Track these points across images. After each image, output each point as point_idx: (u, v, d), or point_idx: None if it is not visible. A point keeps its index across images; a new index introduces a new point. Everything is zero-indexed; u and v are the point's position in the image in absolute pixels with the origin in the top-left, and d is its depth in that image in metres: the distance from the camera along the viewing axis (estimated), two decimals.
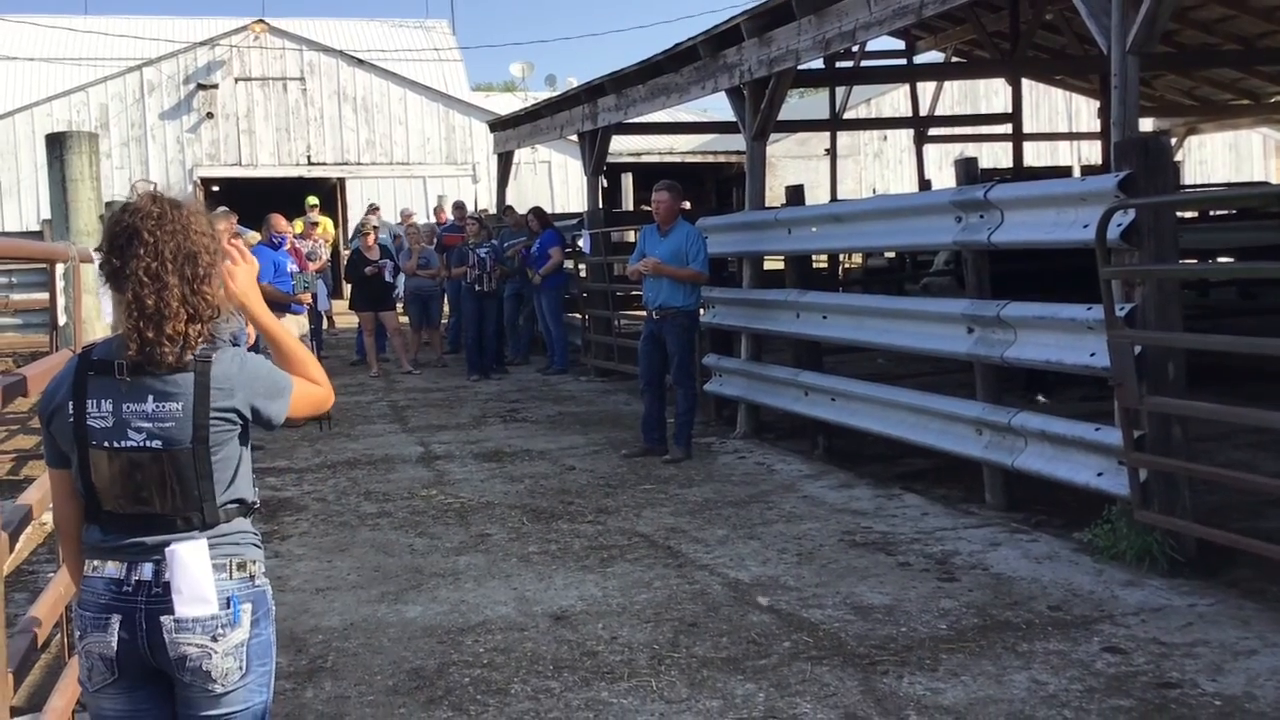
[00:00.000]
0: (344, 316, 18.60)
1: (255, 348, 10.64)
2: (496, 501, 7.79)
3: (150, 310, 2.59)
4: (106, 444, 2.61)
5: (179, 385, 2.62)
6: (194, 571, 2.61)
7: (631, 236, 14.98)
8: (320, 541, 6.87)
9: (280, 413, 2.75)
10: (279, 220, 11.62)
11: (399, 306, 15.89)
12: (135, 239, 2.62)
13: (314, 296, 11.69)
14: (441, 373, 14.98)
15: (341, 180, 27.62)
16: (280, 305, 11.11)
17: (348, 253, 17.92)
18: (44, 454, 2.81)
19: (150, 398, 2.61)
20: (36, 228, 23.97)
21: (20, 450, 10.22)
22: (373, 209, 21.03)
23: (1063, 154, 28.95)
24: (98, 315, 6.69)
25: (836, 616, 5.28)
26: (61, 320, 6.50)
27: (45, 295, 10.12)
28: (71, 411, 2.63)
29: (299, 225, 16.42)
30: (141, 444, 2.60)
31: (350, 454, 9.67)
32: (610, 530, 6.95)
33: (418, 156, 28.14)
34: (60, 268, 5.94)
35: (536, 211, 15.18)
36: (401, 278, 15.76)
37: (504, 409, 11.83)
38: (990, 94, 27.08)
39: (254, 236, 12.01)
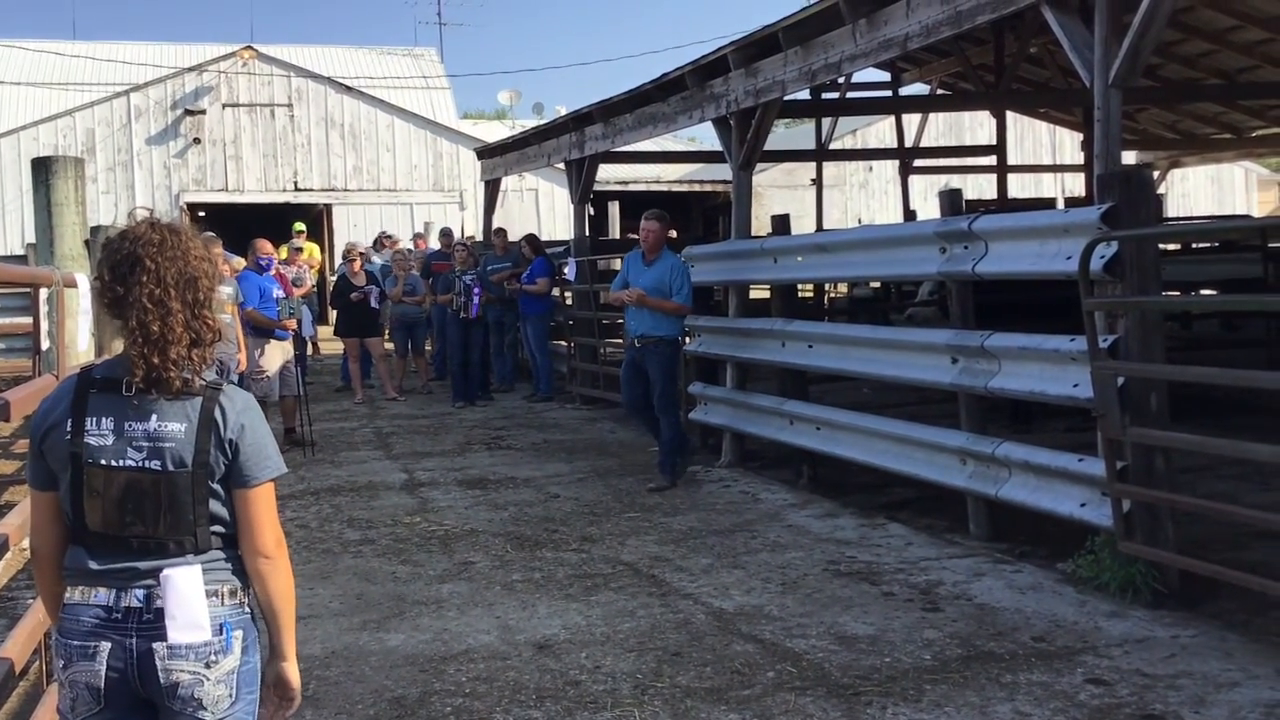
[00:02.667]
0: (329, 343, 18.57)
1: (243, 377, 10.64)
2: (480, 529, 7.77)
3: (155, 336, 2.59)
4: (104, 462, 2.59)
5: (186, 409, 2.62)
6: (189, 597, 2.59)
7: (618, 265, 15.00)
8: (303, 569, 6.82)
9: (249, 477, 2.68)
10: (264, 244, 11.63)
11: (384, 333, 15.88)
12: (138, 266, 2.62)
13: (299, 322, 11.67)
14: (426, 399, 14.95)
15: (328, 206, 27.64)
16: (265, 330, 11.11)
17: (334, 278, 17.90)
18: (28, 476, 2.78)
19: (154, 417, 2.61)
20: (20, 251, 23.95)
21: (2, 475, 10.15)
22: (350, 247, 20.95)
23: (1047, 186, 29.16)
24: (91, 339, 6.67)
25: (820, 646, 5.27)
26: (45, 345, 6.48)
27: (28, 320, 10.08)
28: (69, 429, 2.62)
29: (283, 252, 16.41)
30: (140, 464, 2.59)
31: (334, 480, 9.63)
32: (594, 559, 6.93)
33: (405, 183, 28.20)
34: (44, 292, 5.92)
35: (529, 239, 15.20)
36: (387, 303, 15.76)
37: (489, 436, 11.81)
38: (975, 126, 27.27)
39: (240, 262, 12.01)
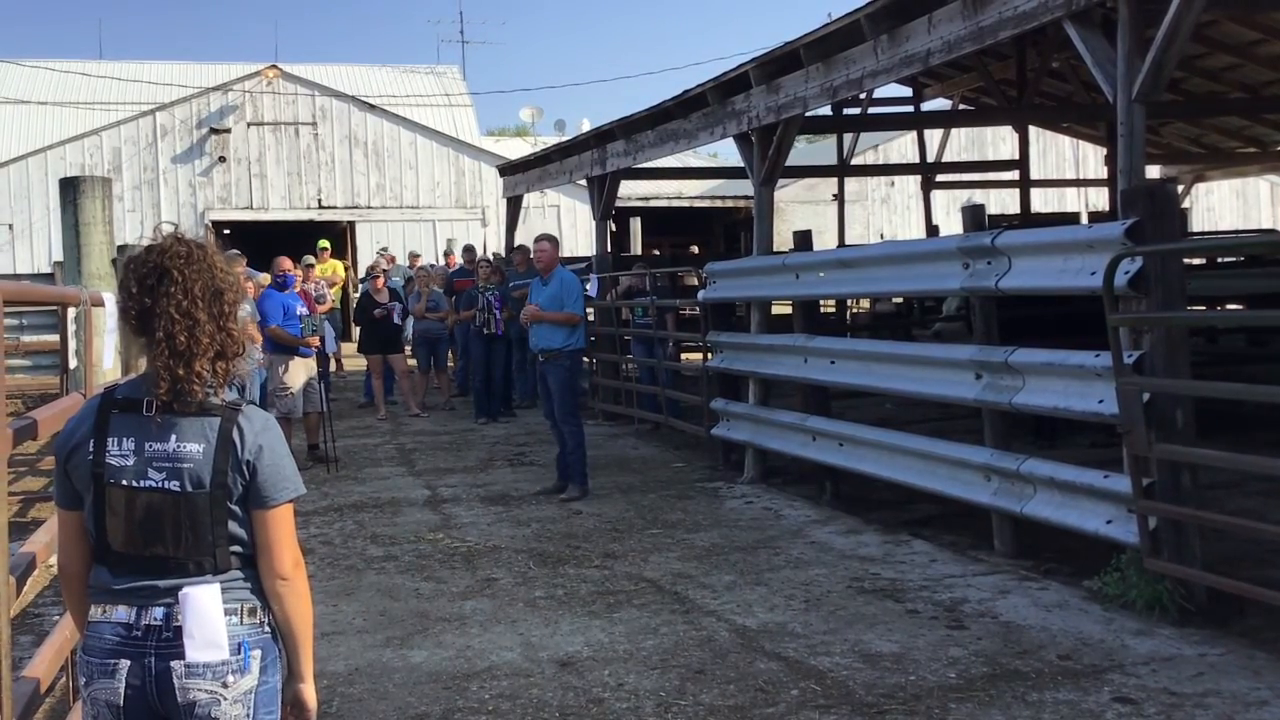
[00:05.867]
0: (352, 359, 18.64)
1: (263, 393, 10.70)
2: (503, 545, 7.78)
3: (182, 348, 2.60)
4: (125, 483, 2.60)
5: (205, 429, 2.63)
6: (207, 616, 2.59)
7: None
8: (326, 585, 6.85)
9: (267, 498, 2.67)
10: (285, 261, 11.73)
11: (407, 349, 15.92)
12: (165, 278, 2.63)
13: (322, 339, 11.73)
14: (449, 416, 14.98)
15: (352, 224, 27.81)
16: (289, 348, 11.17)
17: (357, 295, 17.94)
18: (54, 495, 2.80)
19: (174, 438, 2.61)
20: (48, 270, 24.16)
21: (28, 492, 10.23)
22: (382, 252, 21.09)
23: (1070, 200, 29.03)
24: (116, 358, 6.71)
25: (844, 664, 5.25)
26: (72, 364, 6.53)
27: (56, 337, 10.16)
28: (91, 449, 2.63)
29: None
30: (160, 484, 2.60)
31: (357, 497, 9.66)
32: (617, 575, 6.92)
33: (427, 200, 28.34)
34: (72, 311, 5.97)
35: None
36: (410, 320, 15.81)
37: (511, 452, 11.83)
38: (997, 140, 27.23)
39: (266, 278, 12.10)
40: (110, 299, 6.08)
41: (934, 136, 19.28)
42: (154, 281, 2.64)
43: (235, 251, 12.64)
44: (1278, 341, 13.20)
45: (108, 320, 5.91)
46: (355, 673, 5.34)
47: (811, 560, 7.13)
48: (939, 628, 5.71)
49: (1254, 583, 5.38)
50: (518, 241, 17.42)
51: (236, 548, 2.67)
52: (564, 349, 9.49)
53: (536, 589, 6.67)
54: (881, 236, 28.60)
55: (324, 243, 20.32)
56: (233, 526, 2.65)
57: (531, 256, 10.38)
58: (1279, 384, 5.67)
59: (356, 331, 16.41)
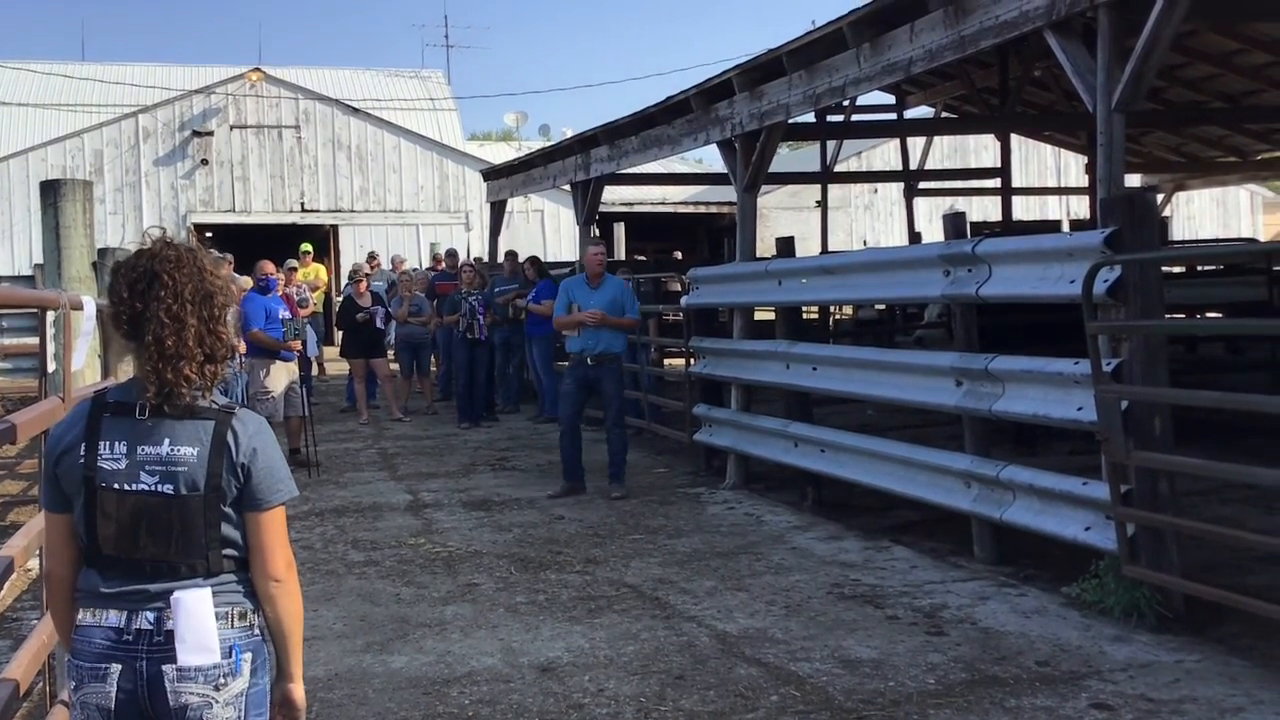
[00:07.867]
0: (335, 363, 18.59)
1: (246, 393, 10.66)
2: (484, 550, 7.77)
3: (170, 351, 2.61)
4: (117, 486, 2.60)
5: (198, 432, 2.63)
6: (199, 620, 2.60)
7: None
8: (306, 590, 6.76)
9: (261, 500, 2.70)
10: (267, 265, 11.71)
11: (390, 353, 15.88)
12: (156, 282, 2.64)
13: (304, 343, 11.69)
14: (431, 420, 14.96)
15: (335, 227, 27.75)
16: (270, 351, 11.14)
17: (340, 299, 17.89)
18: (41, 498, 2.79)
19: (167, 441, 2.62)
20: (28, 272, 24.02)
21: (7, 495, 10.17)
22: (371, 257, 21.02)
23: (1052, 208, 29.18)
24: (90, 360, 6.68)
25: (824, 670, 5.26)
26: (51, 367, 6.49)
27: (35, 340, 10.09)
28: (83, 452, 2.63)
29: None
30: (153, 488, 2.60)
31: (338, 501, 9.64)
32: (598, 580, 6.92)
33: (411, 204, 28.31)
34: (51, 314, 5.93)
35: (533, 260, 15.25)
36: (392, 324, 15.78)
37: (494, 457, 11.81)
38: (980, 149, 27.34)
39: (247, 282, 12.06)
40: (90, 302, 6.05)
41: (917, 144, 19.36)
42: (145, 286, 2.65)
43: (221, 255, 12.59)
44: (1256, 350, 13.29)
45: (85, 324, 5.88)
46: (335, 678, 5.33)
47: (792, 566, 7.15)
48: (918, 634, 5.73)
49: (1231, 590, 5.42)
50: (504, 247, 17.40)
51: (229, 551, 2.68)
52: (622, 353, 9.81)
53: (518, 594, 6.66)
54: (864, 243, 28.68)
55: (306, 246, 20.26)
56: (226, 529, 2.66)
57: (584, 261, 10.58)
58: (1257, 392, 5.71)
59: (339, 335, 16.36)
